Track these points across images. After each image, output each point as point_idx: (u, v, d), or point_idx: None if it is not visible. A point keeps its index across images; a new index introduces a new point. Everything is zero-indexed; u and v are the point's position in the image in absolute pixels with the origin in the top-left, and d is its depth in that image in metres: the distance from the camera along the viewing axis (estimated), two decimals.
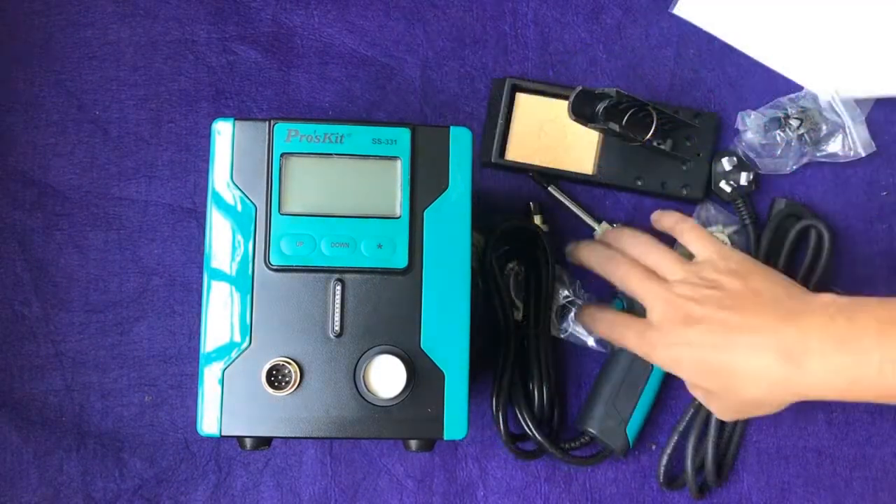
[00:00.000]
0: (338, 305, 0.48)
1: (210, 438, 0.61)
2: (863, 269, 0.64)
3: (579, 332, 0.62)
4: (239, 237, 0.49)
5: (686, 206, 0.64)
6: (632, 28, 0.66)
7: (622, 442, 0.60)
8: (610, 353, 0.62)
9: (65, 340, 0.62)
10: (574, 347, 0.63)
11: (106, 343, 0.62)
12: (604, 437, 0.60)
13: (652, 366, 0.60)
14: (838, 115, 0.62)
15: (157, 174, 0.63)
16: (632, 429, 0.60)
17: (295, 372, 0.47)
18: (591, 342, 0.62)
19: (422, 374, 0.48)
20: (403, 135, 0.49)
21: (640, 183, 0.63)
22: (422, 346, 0.48)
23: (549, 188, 0.63)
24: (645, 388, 0.60)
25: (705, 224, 0.63)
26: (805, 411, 0.63)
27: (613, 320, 0.56)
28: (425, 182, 0.49)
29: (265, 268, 0.48)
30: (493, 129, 0.62)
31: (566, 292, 0.62)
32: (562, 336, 0.62)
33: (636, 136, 0.58)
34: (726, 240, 0.62)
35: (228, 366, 0.48)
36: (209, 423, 0.48)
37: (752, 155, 0.63)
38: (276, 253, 0.48)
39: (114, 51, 0.64)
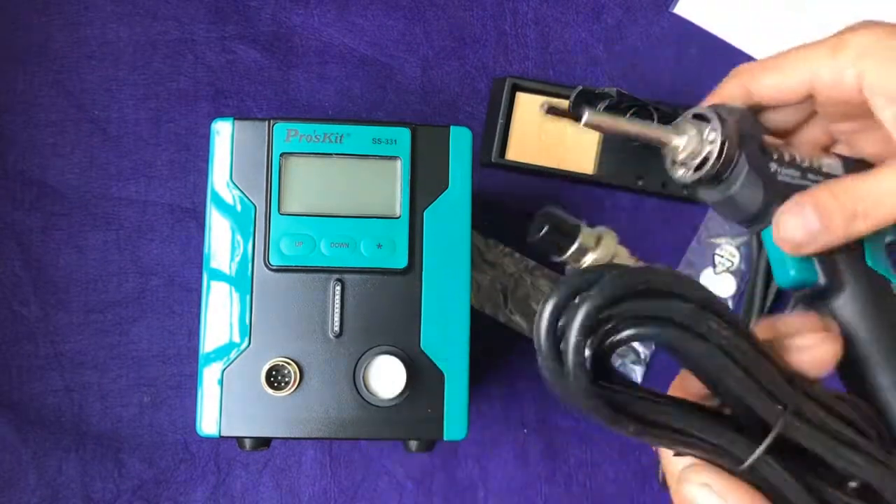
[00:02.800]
0: (337, 306, 0.48)
1: (209, 439, 0.61)
2: None
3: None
4: (238, 237, 0.48)
5: (686, 205, 0.64)
6: (632, 28, 0.65)
7: None
8: None
9: (64, 341, 0.61)
10: None
11: (105, 343, 0.62)
12: None
13: None
14: None
15: (156, 174, 0.63)
16: None
17: (294, 372, 0.47)
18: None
19: (421, 375, 0.48)
20: (403, 135, 0.49)
21: (640, 183, 0.63)
22: (422, 346, 0.48)
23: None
24: None
25: (711, 235, 0.63)
26: None
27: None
28: (425, 182, 0.49)
29: (265, 268, 0.48)
30: (493, 129, 0.62)
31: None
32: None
33: None
34: (735, 252, 0.62)
35: (228, 366, 0.48)
36: (208, 423, 0.47)
37: None
38: (276, 253, 0.48)
39: (113, 50, 0.63)
